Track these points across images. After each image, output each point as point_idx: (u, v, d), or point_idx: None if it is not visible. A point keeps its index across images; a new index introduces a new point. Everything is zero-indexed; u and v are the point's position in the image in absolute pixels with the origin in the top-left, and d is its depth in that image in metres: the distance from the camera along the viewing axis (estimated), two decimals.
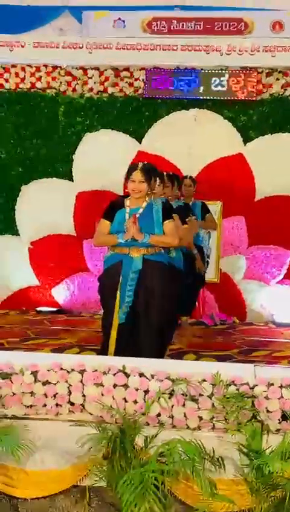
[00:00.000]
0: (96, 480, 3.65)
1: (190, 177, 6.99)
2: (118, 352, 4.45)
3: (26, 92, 8.31)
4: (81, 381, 3.84)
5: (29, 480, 3.74)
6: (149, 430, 3.70)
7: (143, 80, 8.13)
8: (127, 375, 3.83)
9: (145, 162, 4.79)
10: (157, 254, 4.67)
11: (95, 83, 8.20)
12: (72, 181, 8.34)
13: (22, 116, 8.34)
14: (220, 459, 3.58)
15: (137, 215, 4.62)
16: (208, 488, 3.45)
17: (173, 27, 7.99)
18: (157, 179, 5.10)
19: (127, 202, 4.74)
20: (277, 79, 7.99)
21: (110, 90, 8.19)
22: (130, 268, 4.59)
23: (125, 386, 3.81)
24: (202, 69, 8.03)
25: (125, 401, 3.79)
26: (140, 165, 4.69)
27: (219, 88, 8.03)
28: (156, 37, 7.95)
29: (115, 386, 3.81)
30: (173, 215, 4.84)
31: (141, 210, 4.67)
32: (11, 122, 8.38)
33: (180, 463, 3.48)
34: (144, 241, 4.57)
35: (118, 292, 4.60)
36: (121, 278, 4.60)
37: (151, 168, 4.76)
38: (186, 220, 6.07)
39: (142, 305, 4.56)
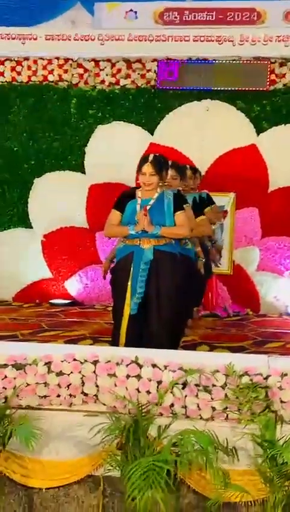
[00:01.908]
0: (109, 470, 3.66)
1: (191, 167, 6.77)
2: (130, 343, 4.46)
3: (38, 85, 8.30)
4: (94, 372, 3.85)
5: (44, 470, 3.77)
6: (162, 421, 3.71)
7: (155, 71, 8.11)
8: (140, 366, 3.83)
9: (157, 154, 4.77)
10: (168, 245, 4.65)
11: (107, 75, 8.18)
12: (85, 174, 8.34)
13: (34, 109, 8.34)
14: (233, 449, 3.59)
15: (148, 207, 4.62)
16: (221, 478, 3.46)
17: (185, 18, 7.95)
18: (174, 171, 5.11)
19: (139, 193, 4.74)
20: None
21: (122, 82, 8.17)
22: (141, 259, 4.59)
23: (138, 376, 3.81)
24: (214, 60, 7.99)
25: (139, 392, 3.79)
26: (150, 157, 4.67)
27: (232, 79, 7.98)
28: (168, 28, 7.91)
29: (128, 376, 3.81)
30: (185, 206, 4.83)
31: (152, 201, 4.66)
32: (24, 115, 8.38)
33: (193, 453, 3.49)
34: (155, 233, 4.56)
35: (130, 283, 4.61)
36: (132, 268, 4.60)
37: (163, 160, 4.75)
38: (205, 210, 6.06)
39: (153, 296, 4.56)
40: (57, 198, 8.24)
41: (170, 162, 5.10)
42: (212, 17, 7.89)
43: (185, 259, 4.94)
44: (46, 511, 3.85)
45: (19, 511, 3.88)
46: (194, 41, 7.84)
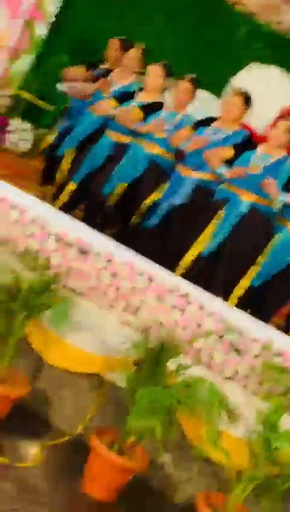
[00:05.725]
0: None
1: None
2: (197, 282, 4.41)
3: None
4: (146, 288, 3.90)
5: (62, 350, 3.87)
6: (185, 360, 3.76)
7: None
8: (189, 302, 3.86)
9: None
10: (266, 206, 4.58)
11: None
12: None
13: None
14: (237, 415, 3.62)
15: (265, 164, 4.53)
16: (214, 436, 3.50)
17: None
18: None
19: (262, 147, 4.66)
20: None
21: None
22: (235, 209, 4.53)
23: (183, 310, 3.85)
24: None
25: (176, 323, 3.84)
26: None
27: None
28: None
29: (173, 306, 3.86)
30: None
31: (272, 159, 4.59)
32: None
33: (199, 401, 3.54)
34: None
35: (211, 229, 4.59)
36: (224, 215, 4.56)
37: None
38: None
39: (232, 252, 4.55)
40: None
41: None
42: None
43: None
44: (47, 384, 4.01)
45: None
46: None
